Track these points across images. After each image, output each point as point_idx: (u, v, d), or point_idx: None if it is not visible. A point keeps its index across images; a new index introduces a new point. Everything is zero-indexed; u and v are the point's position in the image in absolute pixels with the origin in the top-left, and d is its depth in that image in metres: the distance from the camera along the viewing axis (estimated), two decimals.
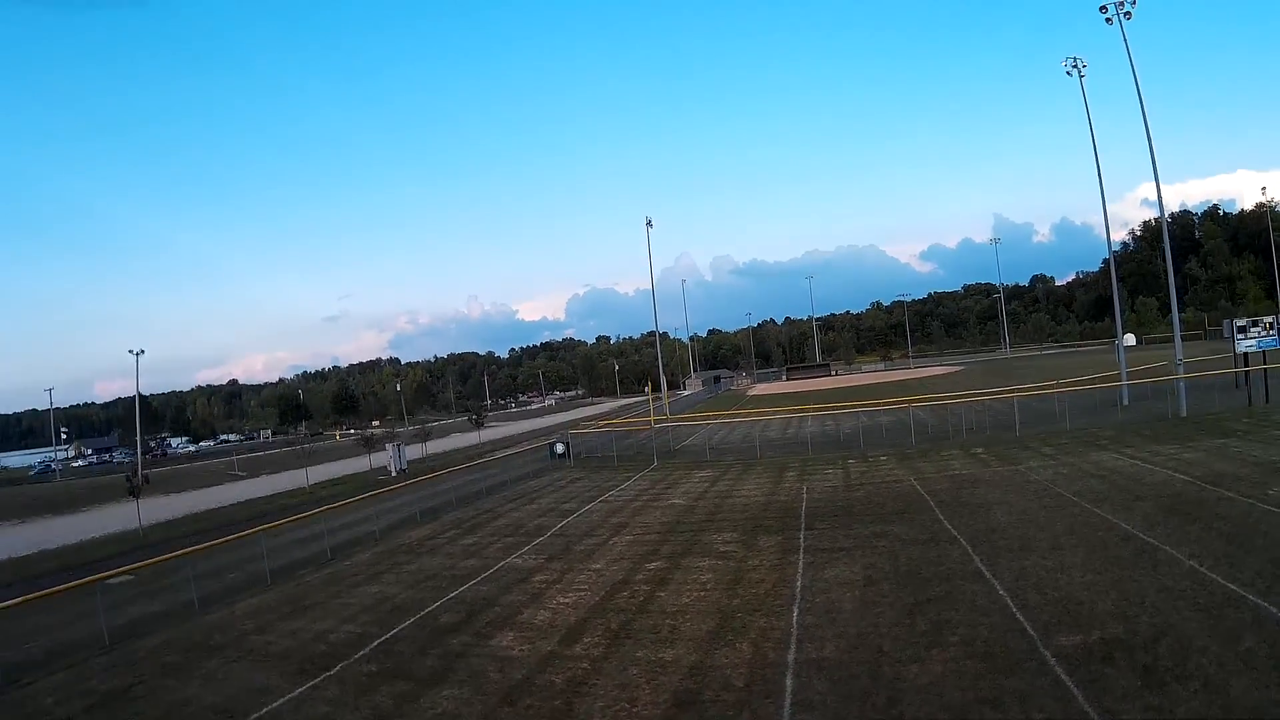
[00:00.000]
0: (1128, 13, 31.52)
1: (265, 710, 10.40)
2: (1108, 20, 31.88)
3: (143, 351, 60.82)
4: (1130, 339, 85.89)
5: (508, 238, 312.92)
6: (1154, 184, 35.81)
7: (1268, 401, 29.24)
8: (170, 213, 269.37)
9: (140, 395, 66.93)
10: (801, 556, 15.58)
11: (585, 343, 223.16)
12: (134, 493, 28.50)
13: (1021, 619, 10.75)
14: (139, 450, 60.59)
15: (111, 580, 17.26)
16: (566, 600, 14.38)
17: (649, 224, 66.39)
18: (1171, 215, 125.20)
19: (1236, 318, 31.72)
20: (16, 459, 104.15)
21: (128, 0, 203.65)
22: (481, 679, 10.86)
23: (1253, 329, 30.29)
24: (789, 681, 9.65)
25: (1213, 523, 14.33)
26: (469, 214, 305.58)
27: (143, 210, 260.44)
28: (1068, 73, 36.00)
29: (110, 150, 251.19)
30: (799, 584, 13.73)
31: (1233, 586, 10.85)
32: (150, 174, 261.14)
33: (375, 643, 12.96)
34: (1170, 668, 8.63)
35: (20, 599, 14.59)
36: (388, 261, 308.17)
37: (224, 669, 12.37)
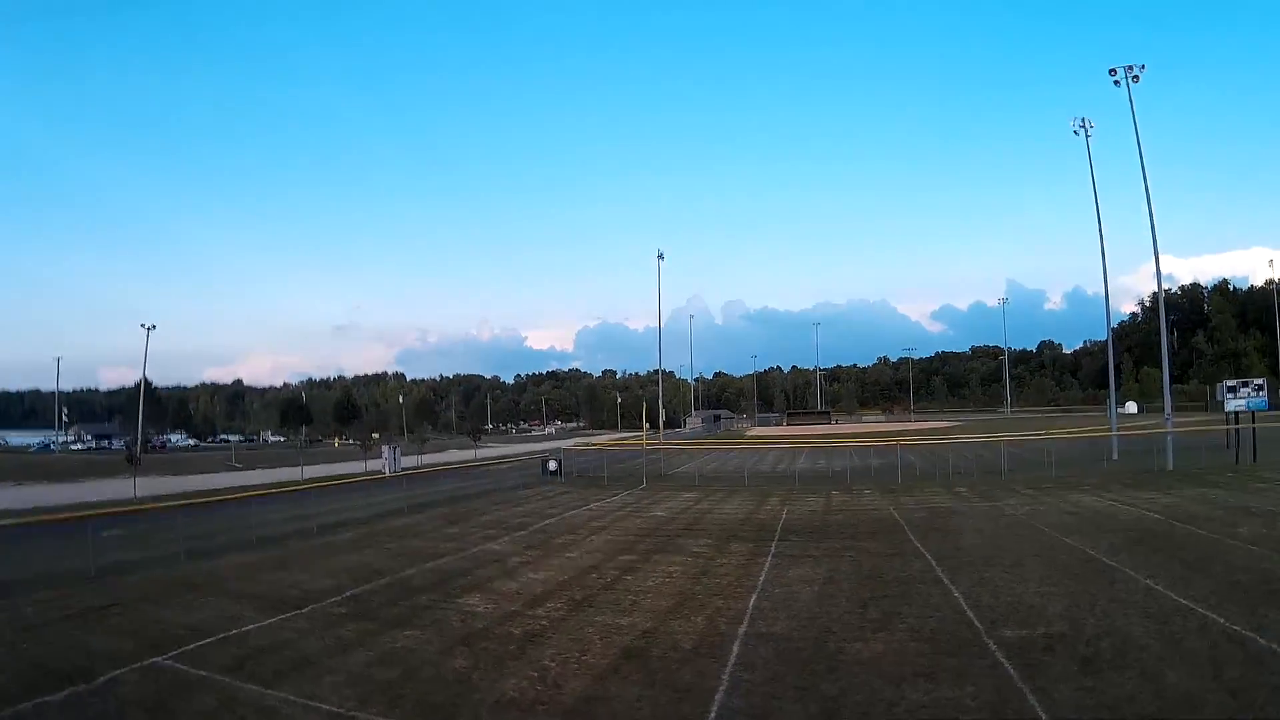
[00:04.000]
0: (1135, 76, 32.54)
1: (235, 631, 10.93)
2: (1115, 82, 32.89)
3: (154, 326, 61.75)
4: (1133, 406, 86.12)
5: (522, 266, 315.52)
6: (1158, 246, 35.79)
7: (1255, 460, 29.52)
8: (187, 209, 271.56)
9: (145, 380, 67.84)
10: (769, 560, 15.93)
11: (591, 375, 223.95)
12: (132, 460, 28.90)
13: (971, 615, 11.08)
14: (140, 420, 61.07)
15: (103, 533, 17.83)
16: (537, 576, 14.80)
17: (660, 257, 67.33)
18: (1181, 289, 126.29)
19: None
20: (16, 438, 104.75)
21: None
22: (444, 625, 11.33)
23: (1243, 389, 30.80)
24: (735, 647, 10.01)
25: (1176, 552, 14.61)
26: (486, 239, 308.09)
27: (160, 204, 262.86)
28: (1075, 132, 36.95)
29: (134, 144, 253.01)
30: (761, 578, 14.10)
31: (1184, 601, 11.11)
32: (171, 170, 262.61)
33: (348, 592, 13.47)
34: (1109, 659, 8.91)
35: (15, 520, 15.19)
36: (401, 277, 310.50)
37: (200, 601, 12.90)
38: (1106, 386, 42.01)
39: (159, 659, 9.70)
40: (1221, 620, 10.05)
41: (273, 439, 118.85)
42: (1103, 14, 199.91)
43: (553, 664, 9.56)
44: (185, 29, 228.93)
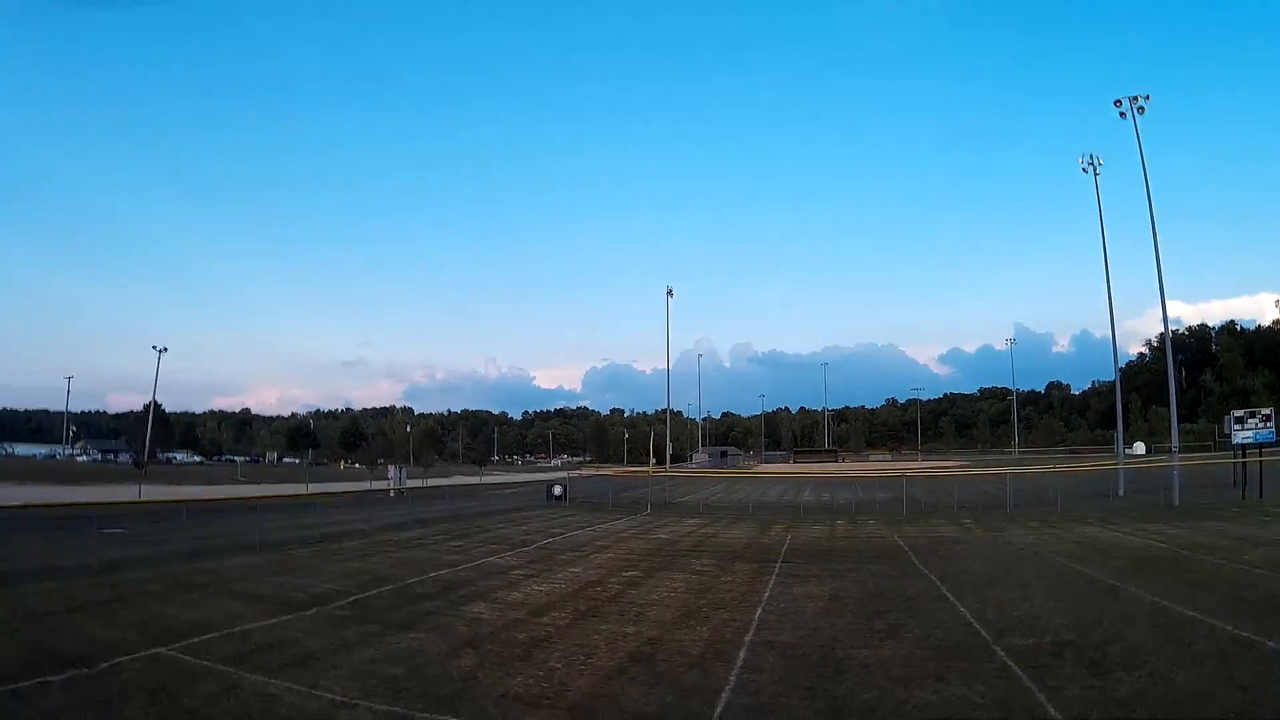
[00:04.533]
0: (1141, 108, 32.98)
1: (238, 629, 10.93)
2: (1121, 114, 33.35)
3: (165, 349, 61.97)
4: (1140, 447, 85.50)
5: (531, 306, 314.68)
6: (1160, 260, 35.39)
7: (1261, 496, 29.25)
8: (200, 241, 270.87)
9: (155, 402, 68.08)
10: (774, 578, 15.87)
11: (599, 413, 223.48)
12: (139, 464, 29.06)
13: (977, 626, 11.05)
14: (149, 429, 61.14)
15: (105, 530, 17.96)
16: (541, 588, 14.77)
17: (669, 293, 67.79)
18: (1189, 329, 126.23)
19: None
20: (23, 449, 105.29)
21: (192, 31, 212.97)
22: (449, 630, 11.29)
23: (1250, 420, 30.68)
24: (741, 653, 9.97)
25: (1182, 575, 14.61)
26: (494, 279, 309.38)
27: (173, 235, 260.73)
28: (1084, 169, 37.31)
29: (151, 174, 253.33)
30: (766, 594, 14.07)
31: (1191, 613, 11.11)
32: (187, 204, 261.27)
33: (352, 597, 13.44)
34: (1118, 662, 8.92)
35: (20, 503, 15.29)
36: (410, 315, 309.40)
37: (204, 600, 12.91)
38: (1115, 426, 41.76)
39: (161, 649, 9.72)
40: (1229, 628, 10.07)
41: (285, 460, 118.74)
42: (1110, 61, 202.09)
43: (559, 665, 9.53)
44: (204, 61, 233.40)
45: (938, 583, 14.79)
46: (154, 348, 61.23)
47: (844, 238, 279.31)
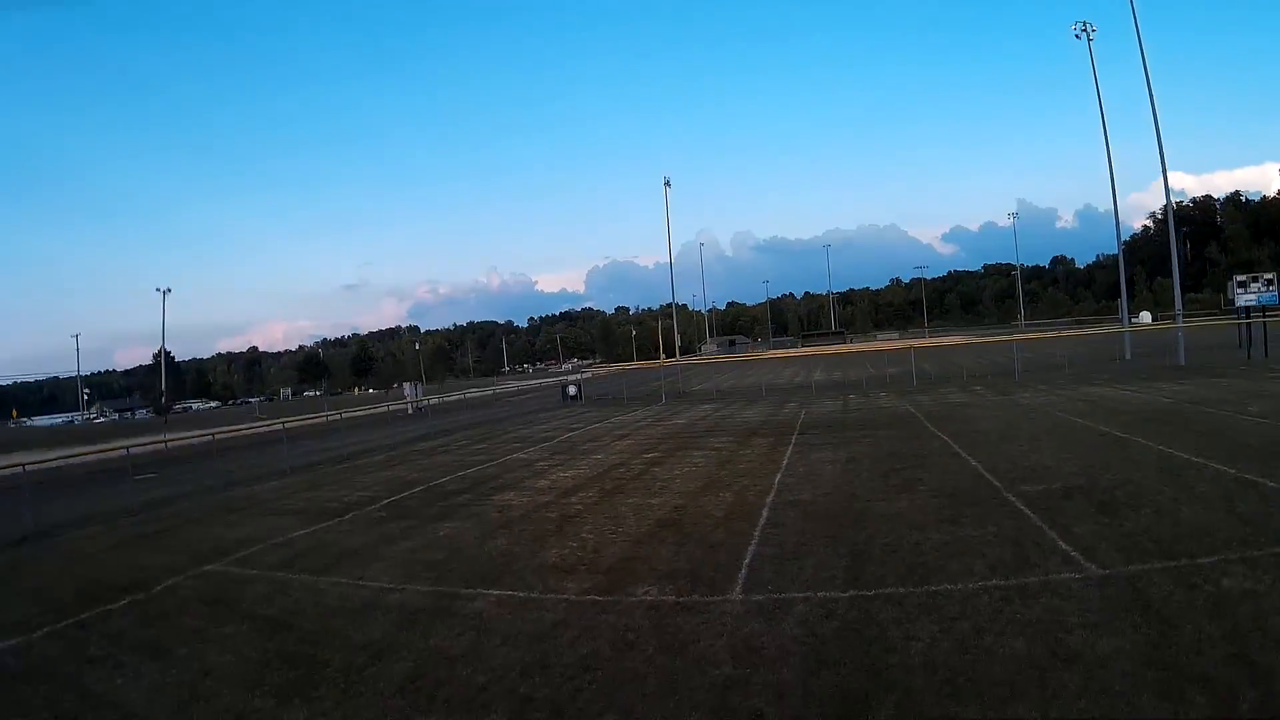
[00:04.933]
0: None
1: (281, 539, 11.48)
2: None
3: (169, 290, 61.92)
4: (1146, 316, 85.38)
5: (527, 211, 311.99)
6: (1165, 149, 34.53)
7: (1266, 356, 29.40)
8: (189, 185, 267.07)
9: (165, 351, 68.36)
10: (791, 448, 16.36)
11: (604, 312, 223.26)
12: (161, 411, 29.64)
13: (990, 477, 11.45)
14: (163, 376, 61.92)
15: (137, 477, 18.47)
16: (566, 475, 15.33)
17: (667, 183, 66.26)
18: (1193, 200, 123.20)
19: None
20: (42, 421, 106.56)
21: None
22: (482, 517, 11.82)
23: (1253, 284, 30.54)
24: (765, 512, 10.45)
25: (1188, 425, 14.88)
26: (489, 187, 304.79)
27: (161, 183, 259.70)
28: (1076, 36, 35.79)
29: (128, 119, 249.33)
30: (785, 462, 14.59)
31: (1197, 459, 11.38)
32: (172, 150, 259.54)
33: (386, 500, 14.02)
34: (1125, 502, 9.26)
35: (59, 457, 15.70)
36: (408, 232, 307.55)
37: (244, 520, 13.43)
38: (1119, 298, 41.64)
39: (211, 566, 10.22)
40: (1233, 471, 10.36)
41: (305, 394, 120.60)
42: None
43: (591, 536, 10.02)
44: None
45: (950, 442, 15.22)
46: (158, 289, 61.10)
47: (841, 120, 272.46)
